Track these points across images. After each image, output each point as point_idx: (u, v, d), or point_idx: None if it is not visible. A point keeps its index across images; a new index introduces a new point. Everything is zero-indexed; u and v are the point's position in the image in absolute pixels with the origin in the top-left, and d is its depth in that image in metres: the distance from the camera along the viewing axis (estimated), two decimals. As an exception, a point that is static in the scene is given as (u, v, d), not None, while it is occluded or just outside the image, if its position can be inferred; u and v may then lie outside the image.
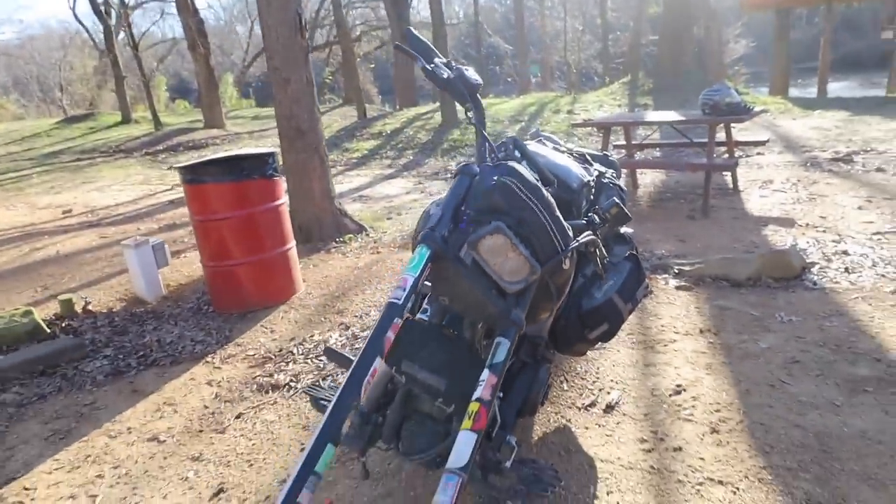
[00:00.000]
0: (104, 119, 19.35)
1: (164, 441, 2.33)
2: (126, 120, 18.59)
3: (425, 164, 9.61)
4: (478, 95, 1.64)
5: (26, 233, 6.60)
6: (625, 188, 2.33)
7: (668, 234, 4.54)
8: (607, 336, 2.11)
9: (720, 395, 2.27)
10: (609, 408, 2.25)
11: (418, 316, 1.68)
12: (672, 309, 3.09)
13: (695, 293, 3.27)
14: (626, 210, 1.67)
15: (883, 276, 3.30)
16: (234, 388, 2.70)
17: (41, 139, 16.69)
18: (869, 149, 7.01)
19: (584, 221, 1.60)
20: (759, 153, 7.54)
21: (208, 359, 3.04)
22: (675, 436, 2.05)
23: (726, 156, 5.89)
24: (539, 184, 1.45)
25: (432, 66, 1.62)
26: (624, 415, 2.21)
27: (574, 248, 1.44)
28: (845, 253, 3.72)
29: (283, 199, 3.80)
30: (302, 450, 2.11)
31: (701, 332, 2.81)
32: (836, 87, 22.86)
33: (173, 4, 16.59)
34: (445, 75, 1.61)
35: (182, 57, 33.90)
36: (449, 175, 8.34)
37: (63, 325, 3.59)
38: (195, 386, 2.77)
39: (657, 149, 7.43)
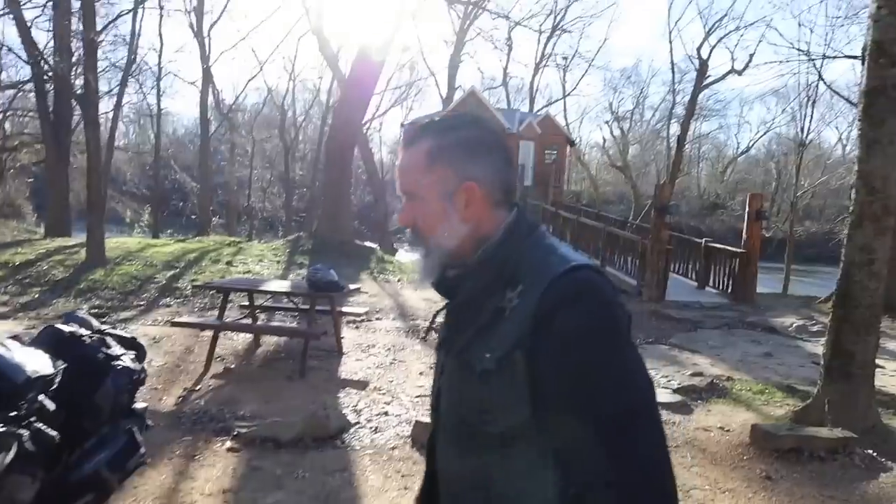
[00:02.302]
0: None
1: None
2: None
3: (52, 304, 8.76)
4: None
5: None
6: (141, 369, 2.73)
7: (259, 393, 5.03)
8: (94, 506, 2.36)
9: (204, 552, 2.66)
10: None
11: None
12: (210, 471, 3.47)
13: (240, 454, 3.72)
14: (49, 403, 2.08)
15: (398, 434, 4.24)
16: None
17: None
18: (455, 321, 8.87)
19: (14, 413, 1.91)
20: (377, 318, 8.89)
21: None
22: None
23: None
24: None
25: None
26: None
27: None
28: (386, 414, 4.66)
29: None
30: None
31: (223, 492, 3.23)
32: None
33: None
34: None
35: None
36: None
37: None
38: None
39: (286, 312, 8.16)
